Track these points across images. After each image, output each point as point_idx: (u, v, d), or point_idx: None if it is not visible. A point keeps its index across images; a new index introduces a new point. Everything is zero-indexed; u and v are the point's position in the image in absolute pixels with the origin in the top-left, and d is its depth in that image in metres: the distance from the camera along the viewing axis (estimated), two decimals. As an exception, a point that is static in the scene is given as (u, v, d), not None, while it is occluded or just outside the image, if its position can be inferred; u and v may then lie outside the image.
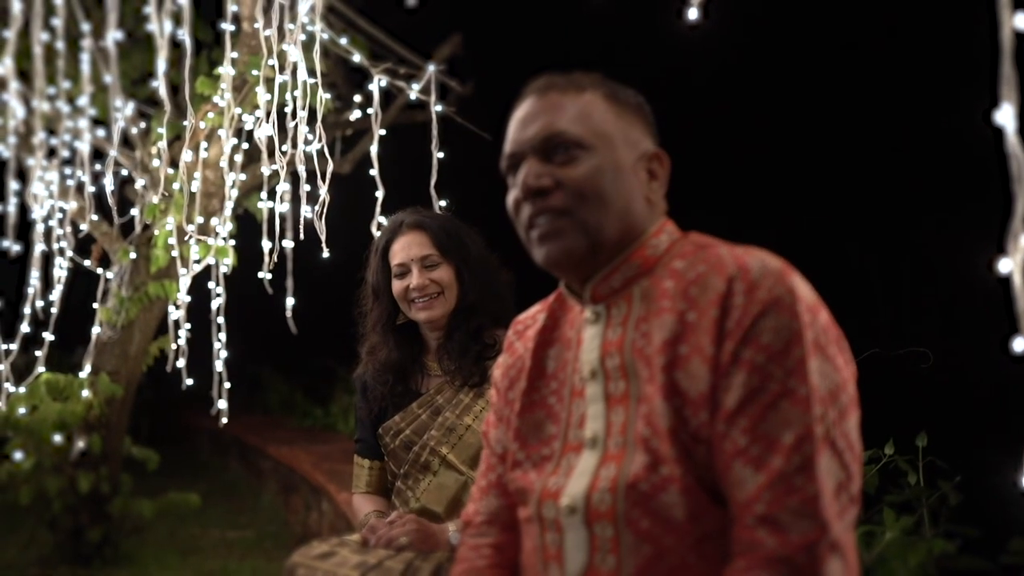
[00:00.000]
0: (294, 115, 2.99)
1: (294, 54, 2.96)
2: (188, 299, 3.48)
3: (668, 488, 1.04)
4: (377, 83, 3.33)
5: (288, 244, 3.39)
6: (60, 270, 3.62)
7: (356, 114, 4.27)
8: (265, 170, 3.15)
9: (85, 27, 3.23)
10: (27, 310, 3.45)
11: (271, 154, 3.03)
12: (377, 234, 2.83)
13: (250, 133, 3.53)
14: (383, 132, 3.24)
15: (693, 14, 1.52)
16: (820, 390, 1.01)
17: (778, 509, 0.97)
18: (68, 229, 3.66)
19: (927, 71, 6.90)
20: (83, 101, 3.36)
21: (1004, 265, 1.04)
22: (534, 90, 1.23)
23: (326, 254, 3.04)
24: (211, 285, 3.52)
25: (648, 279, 1.17)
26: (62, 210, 3.73)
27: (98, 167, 3.84)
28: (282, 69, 2.99)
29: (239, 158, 3.57)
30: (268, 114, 3.04)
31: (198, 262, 3.51)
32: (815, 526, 0.96)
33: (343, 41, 3.71)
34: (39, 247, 3.43)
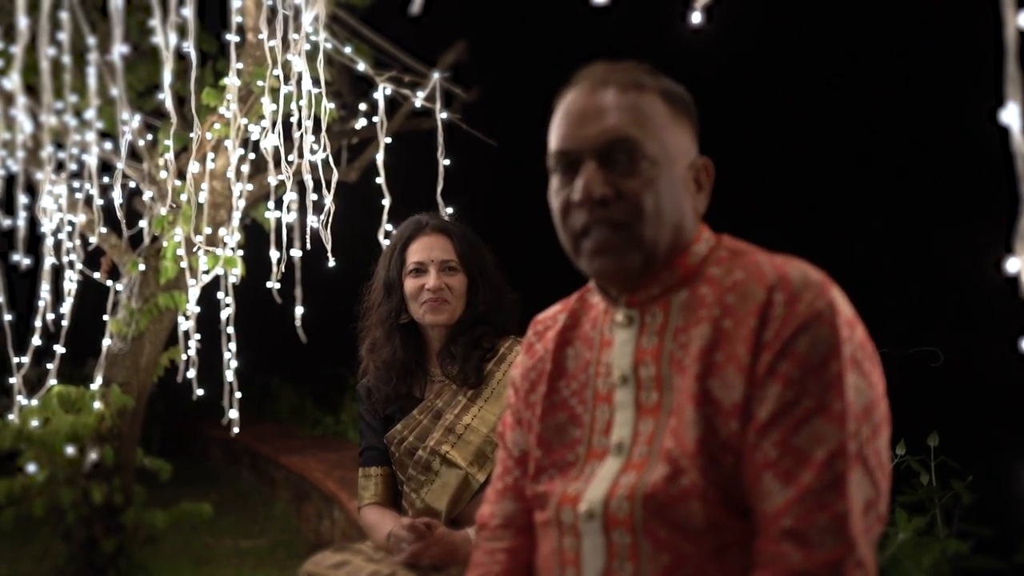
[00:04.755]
0: (300, 125, 3.00)
1: (299, 64, 2.97)
2: (197, 310, 3.49)
3: (687, 499, 1.03)
4: (382, 91, 3.34)
5: (296, 253, 3.41)
6: (70, 283, 3.63)
7: (361, 122, 4.29)
8: (272, 180, 3.16)
9: (91, 41, 3.25)
10: (38, 323, 3.47)
11: (277, 164, 3.04)
12: (385, 242, 2.85)
13: (256, 143, 3.55)
14: (389, 140, 3.26)
15: (696, 18, 1.52)
16: (855, 406, 0.99)
17: (806, 524, 0.95)
18: (77, 242, 3.68)
19: (937, 70, 6.87)
20: (90, 114, 3.37)
21: (1012, 265, 1.03)
22: (592, 82, 1.15)
23: (332, 263, 3.05)
24: (220, 295, 3.53)
25: (687, 289, 1.14)
26: (71, 223, 3.75)
27: (106, 180, 3.86)
28: (287, 79, 3.01)
29: (246, 168, 3.58)
30: (274, 124, 3.05)
31: (207, 273, 3.53)
32: (842, 543, 0.94)
33: (347, 50, 3.72)
34: (49, 260, 3.44)
